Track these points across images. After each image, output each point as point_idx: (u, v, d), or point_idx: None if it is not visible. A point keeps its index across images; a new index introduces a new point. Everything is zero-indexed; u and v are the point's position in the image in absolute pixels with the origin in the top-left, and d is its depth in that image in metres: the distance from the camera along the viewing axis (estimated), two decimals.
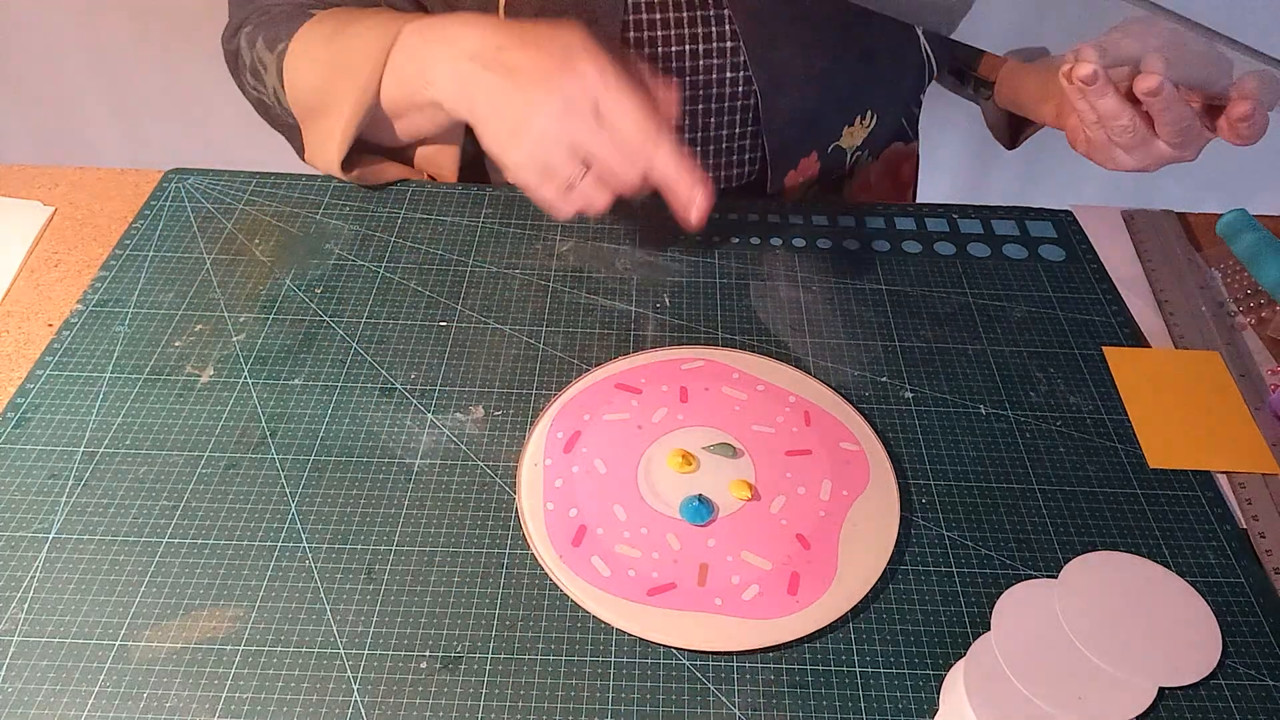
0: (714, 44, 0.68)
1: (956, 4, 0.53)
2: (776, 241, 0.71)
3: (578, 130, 0.55)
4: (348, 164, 0.69)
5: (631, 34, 0.67)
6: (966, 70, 0.83)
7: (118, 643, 0.47)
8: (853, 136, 0.77)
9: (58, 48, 1.49)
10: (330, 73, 0.65)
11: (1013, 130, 0.86)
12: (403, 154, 0.73)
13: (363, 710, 0.45)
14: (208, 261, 0.67)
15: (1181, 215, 0.74)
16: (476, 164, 0.76)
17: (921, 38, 0.74)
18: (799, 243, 0.71)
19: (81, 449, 0.55)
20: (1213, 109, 0.58)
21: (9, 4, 1.45)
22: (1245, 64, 0.53)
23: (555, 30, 0.58)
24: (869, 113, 0.76)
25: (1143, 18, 0.54)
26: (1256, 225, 0.70)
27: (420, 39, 0.62)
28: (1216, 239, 0.71)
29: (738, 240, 0.70)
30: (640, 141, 0.54)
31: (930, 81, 0.80)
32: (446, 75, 0.60)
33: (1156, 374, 0.62)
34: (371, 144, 0.71)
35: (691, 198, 0.54)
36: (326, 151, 0.67)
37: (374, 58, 0.63)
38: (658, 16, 0.67)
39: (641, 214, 0.71)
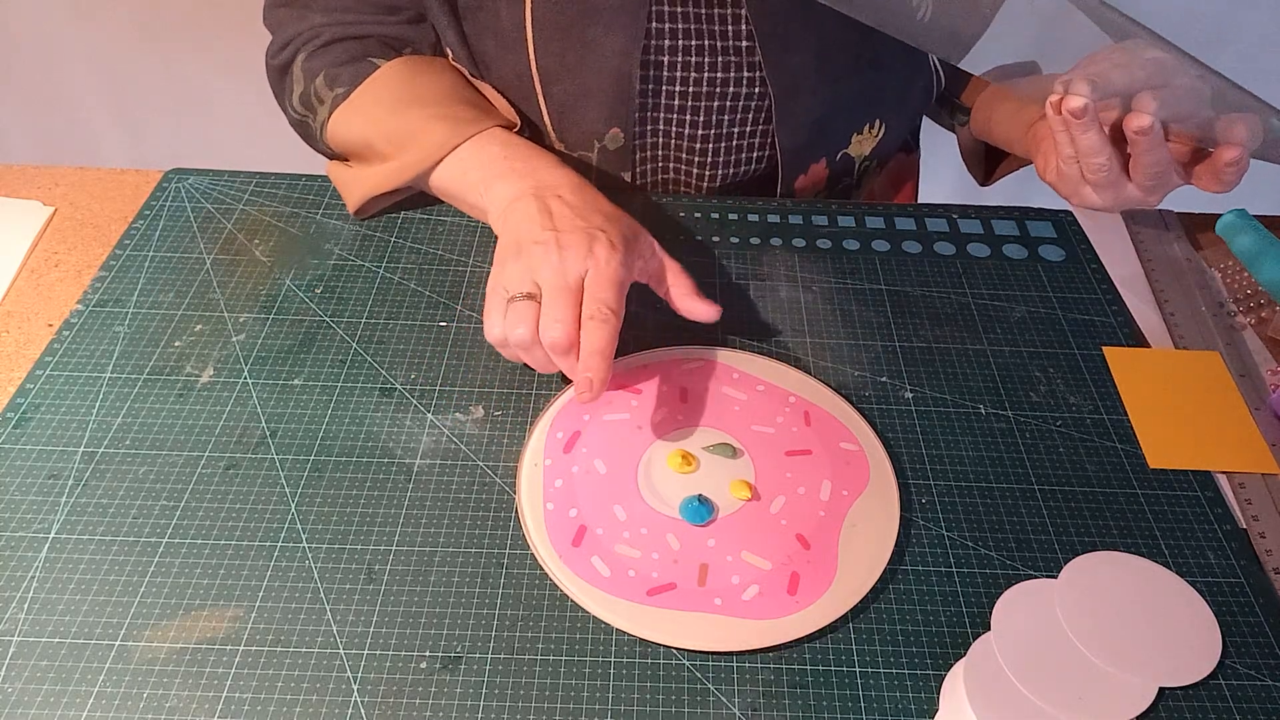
0: (730, 42, 0.69)
1: (966, 35, 0.54)
2: (777, 241, 0.71)
3: (549, 273, 0.55)
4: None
5: (653, 24, 0.68)
6: (947, 95, 0.84)
7: (118, 643, 0.47)
8: (861, 145, 0.78)
9: (58, 48, 1.50)
10: (386, 142, 0.68)
11: (988, 164, 0.87)
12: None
13: (363, 710, 0.45)
14: (208, 261, 0.67)
15: (1181, 215, 0.74)
16: None
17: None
18: (799, 243, 0.71)
19: (81, 449, 0.55)
20: (1191, 158, 0.59)
21: (9, 4, 1.45)
22: (1227, 96, 0.54)
23: (617, 212, 0.61)
24: (878, 122, 0.77)
25: (1129, 45, 0.54)
26: (1256, 225, 0.70)
27: (503, 153, 0.66)
28: (1216, 239, 0.71)
29: (737, 240, 0.70)
30: (592, 309, 0.54)
31: (936, 95, 0.81)
32: (505, 194, 0.63)
33: (1156, 374, 0.62)
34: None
35: (579, 383, 0.53)
36: (349, 191, 0.70)
37: (435, 152, 0.66)
38: (679, 10, 0.68)
39: (640, 215, 0.71)
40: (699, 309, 0.59)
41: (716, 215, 0.72)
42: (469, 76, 0.73)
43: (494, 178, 0.64)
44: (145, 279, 0.66)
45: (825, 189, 0.80)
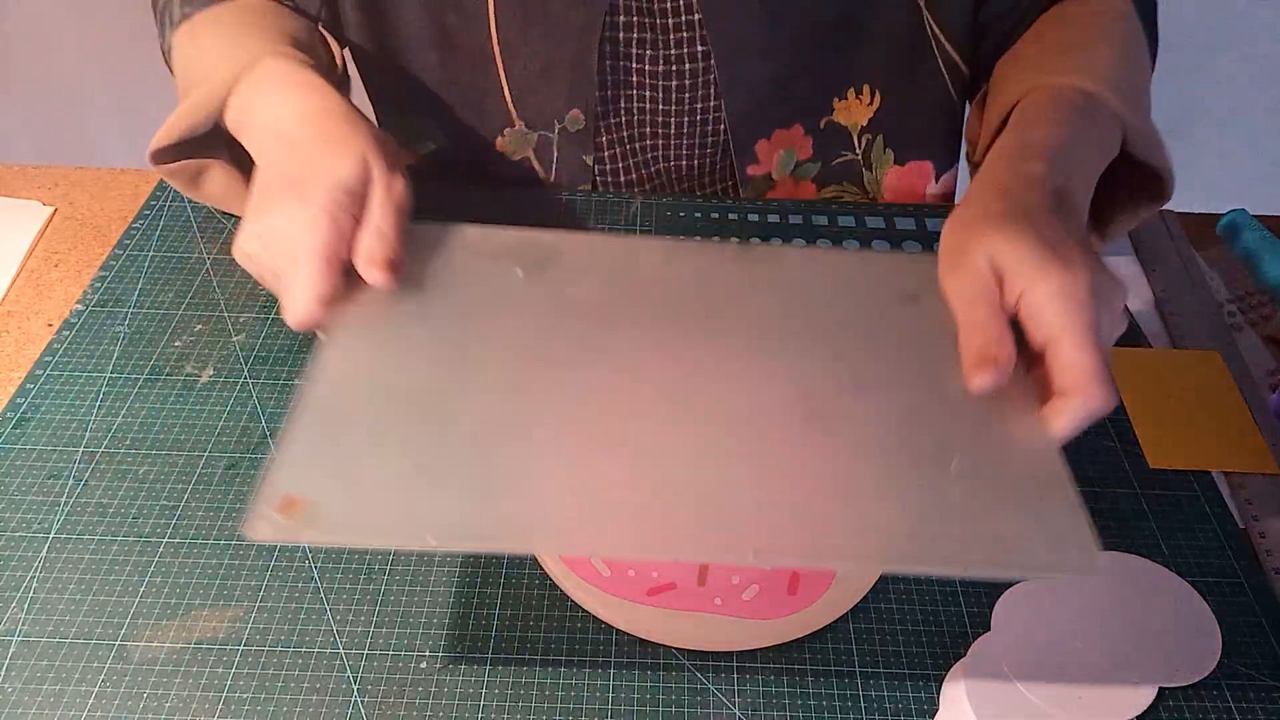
0: (683, 17, 0.67)
1: None
2: (776, 241, 0.71)
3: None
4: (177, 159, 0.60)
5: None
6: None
7: (118, 643, 0.47)
8: (850, 113, 0.74)
9: (58, 48, 1.50)
10: (199, 72, 0.59)
11: None
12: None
13: (363, 710, 0.45)
14: (208, 261, 0.67)
15: (1181, 215, 0.74)
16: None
17: (933, 28, 0.70)
18: (799, 243, 0.71)
19: (81, 449, 0.55)
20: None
21: (9, 4, 1.45)
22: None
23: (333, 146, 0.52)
24: (865, 88, 0.73)
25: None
26: (1256, 225, 0.70)
27: (250, 95, 0.56)
28: (1216, 239, 0.71)
29: (737, 241, 0.70)
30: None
31: (964, 86, 0.74)
32: (259, 139, 0.55)
33: (1156, 374, 0.62)
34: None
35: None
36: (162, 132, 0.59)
37: (222, 88, 0.57)
38: None
39: (640, 217, 0.71)
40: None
41: (716, 215, 0.72)
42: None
43: (246, 120, 0.56)
44: (145, 279, 0.66)
45: (816, 156, 0.75)
